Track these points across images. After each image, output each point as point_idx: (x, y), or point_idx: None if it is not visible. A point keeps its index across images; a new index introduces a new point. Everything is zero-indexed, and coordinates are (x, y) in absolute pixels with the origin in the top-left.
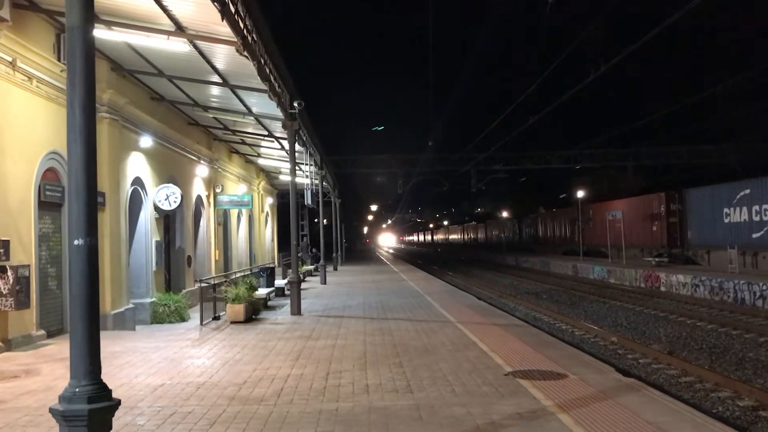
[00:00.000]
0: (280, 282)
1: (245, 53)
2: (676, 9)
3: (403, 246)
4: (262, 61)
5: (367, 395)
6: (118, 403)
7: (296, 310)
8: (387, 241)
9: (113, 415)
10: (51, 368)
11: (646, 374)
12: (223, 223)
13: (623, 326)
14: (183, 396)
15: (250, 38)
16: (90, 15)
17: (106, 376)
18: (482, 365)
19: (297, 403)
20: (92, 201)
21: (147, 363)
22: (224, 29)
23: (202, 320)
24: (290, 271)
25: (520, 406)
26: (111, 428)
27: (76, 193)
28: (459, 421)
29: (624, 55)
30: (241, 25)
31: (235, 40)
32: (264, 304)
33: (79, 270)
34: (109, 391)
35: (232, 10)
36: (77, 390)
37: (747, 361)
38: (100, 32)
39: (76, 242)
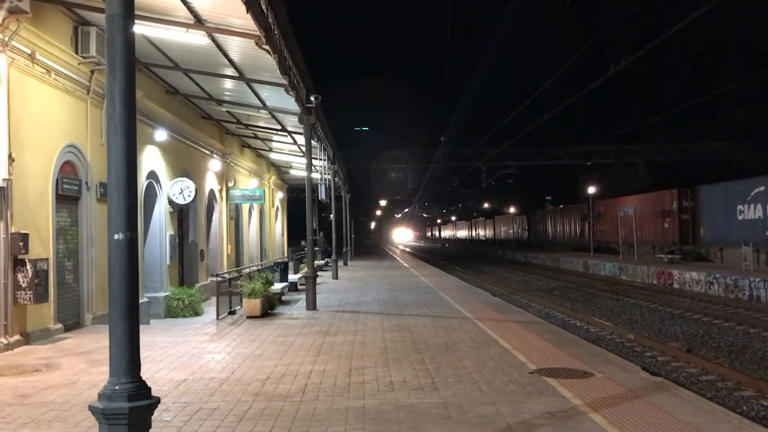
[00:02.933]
0: (293, 277)
1: (267, 47)
2: (693, 7)
3: (413, 242)
4: (283, 54)
5: (392, 392)
6: (158, 400)
7: (312, 305)
8: (401, 237)
9: (152, 413)
10: (71, 362)
11: (666, 372)
12: (235, 217)
13: (638, 323)
14: (207, 392)
15: (272, 31)
16: (131, 3)
17: None
18: (506, 363)
19: (323, 399)
20: (132, 194)
21: (167, 358)
22: (242, 21)
23: (218, 315)
24: (302, 265)
25: (549, 405)
26: (150, 426)
27: (116, 186)
28: (490, 420)
29: (645, 51)
30: (265, 18)
31: (258, 33)
32: (279, 299)
33: (118, 265)
34: (149, 389)
35: (259, 4)
36: (117, 387)
37: (767, 359)
38: None
39: (116, 237)
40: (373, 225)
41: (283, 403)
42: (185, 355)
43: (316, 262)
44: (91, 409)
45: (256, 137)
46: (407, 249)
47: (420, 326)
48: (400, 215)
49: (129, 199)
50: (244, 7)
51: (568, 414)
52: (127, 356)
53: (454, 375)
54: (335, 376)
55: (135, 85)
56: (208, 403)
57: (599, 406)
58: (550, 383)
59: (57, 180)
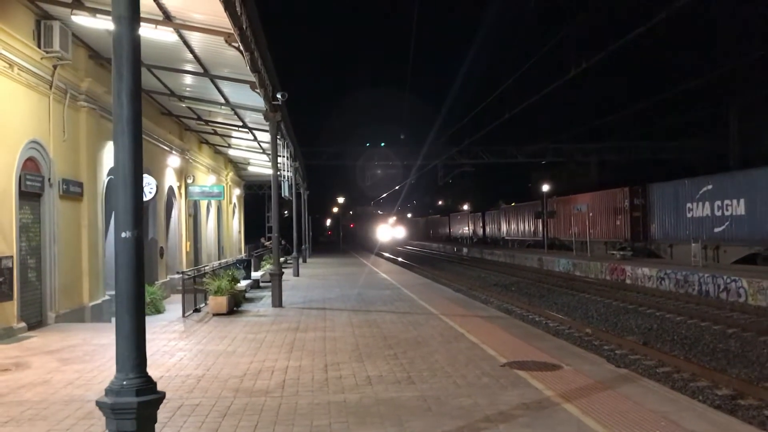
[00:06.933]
0: (254, 274)
1: (240, 45)
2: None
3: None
4: (254, 53)
5: (371, 387)
6: (164, 395)
7: (278, 302)
8: (388, 235)
9: (158, 408)
10: (41, 361)
11: (624, 365)
12: (194, 214)
13: (594, 318)
14: (186, 388)
15: (245, 30)
16: (136, 6)
17: (100, 369)
18: (476, 357)
19: (303, 395)
20: (138, 193)
21: None
22: (207, 18)
23: (184, 312)
24: (263, 263)
25: (524, 396)
26: (156, 421)
27: (123, 186)
28: (468, 412)
29: (605, 54)
30: (239, 17)
31: (227, 30)
32: (243, 296)
33: (125, 263)
34: (155, 384)
35: (235, 4)
36: (125, 383)
37: (719, 351)
38: (83, 19)
39: (123, 235)
40: (328, 222)
41: (264, 398)
42: (157, 353)
43: None
44: (99, 404)
45: (215, 133)
46: (365, 247)
47: (388, 322)
48: (353, 212)
49: (136, 199)
50: (210, 3)
51: (543, 405)
52: (135, 352)
53: (428, 369)
54: (312, 372)
55: (141, 86)
56: (188, 399)
57: (571, 397)
58: (521, 376)
59: (20, 176)
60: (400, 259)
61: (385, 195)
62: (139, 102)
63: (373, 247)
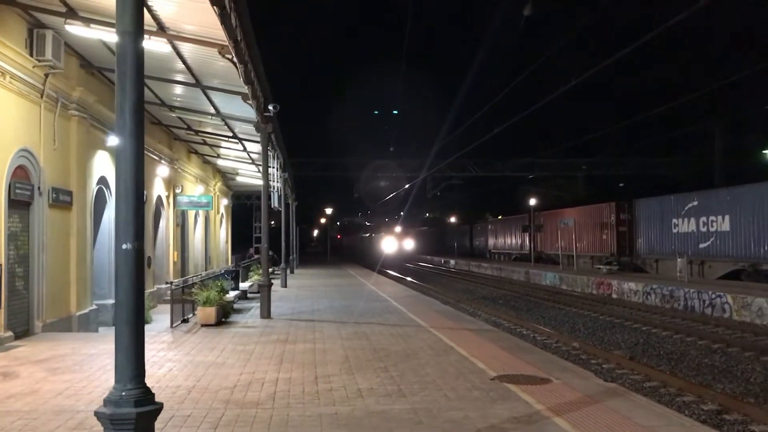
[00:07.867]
0: (242, 285)
1: (234, 57)
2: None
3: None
4: (248, 65)
5: (362, 399)
6: (161, 406)
7: (266, 313)
8: (389, 246)
9: (156, 419)
10: (29, 371)
11: (611, 379)
12: (181, 224)
13: (581, 332)
14: (176, 399)
15: (240, 43)
16: (141, 21)
17: (90, 379)
18: (466, 370)
19: (294, 406)
20: (140, 206)
21: None
22: (198, 29)
23: (172, 323)
24: (251, 273)
25: (514, 410)
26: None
27: (125, 198)
28: (459, 425)
29: (595, 71)
30: (234, 30)
31: (220, 42)
32: (231, 307)
33: (126, 274)
34: (153, 395)
35: (230, 16)
36: (123, 394)
37: (704, 366)
38: (76, 29)
39: (124, 246)
40: (315, 232)
41: (255, 410)
42: (146, 363)
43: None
44: (98, 414)
45: (204, 143)
46: (355, 259)
47: (377, 334)
48: (342, 223)
49: (137, 210)
50: (204, 14)
51: (533, 419)
52: (133, 363)
53: (419, 382)
54: (302, 384)
55: (144, 100)
56: (179, 410)
57: (561, 411)
58: (511, 389)
59: (9, 184)
60: (388, 270)
61: (374, 206)
62: (141, 116)
63: (360, 257)
